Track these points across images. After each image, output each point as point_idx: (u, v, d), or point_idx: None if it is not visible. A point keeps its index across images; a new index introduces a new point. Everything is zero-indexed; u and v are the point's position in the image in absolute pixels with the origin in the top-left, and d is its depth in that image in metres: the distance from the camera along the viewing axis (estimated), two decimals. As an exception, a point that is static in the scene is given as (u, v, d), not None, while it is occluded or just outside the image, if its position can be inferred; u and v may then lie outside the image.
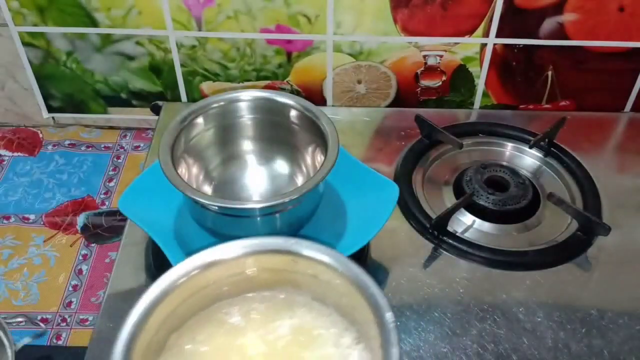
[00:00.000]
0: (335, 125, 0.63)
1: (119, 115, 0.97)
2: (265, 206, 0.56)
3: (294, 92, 0.92)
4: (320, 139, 0.64)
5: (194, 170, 0.69)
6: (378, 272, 0.68)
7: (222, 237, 0.65)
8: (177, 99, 0.94)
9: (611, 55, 0.87)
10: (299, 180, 0.71)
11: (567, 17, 0.83)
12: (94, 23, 0.86)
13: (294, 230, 0.65)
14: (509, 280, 0.68)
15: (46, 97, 0.95)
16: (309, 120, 0.66)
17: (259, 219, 0.62)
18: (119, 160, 0.94)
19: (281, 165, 0.73)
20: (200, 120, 0.67)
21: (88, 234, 0.84)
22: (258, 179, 0.73)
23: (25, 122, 0.99)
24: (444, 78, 0.91)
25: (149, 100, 0.95)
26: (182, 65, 0.90)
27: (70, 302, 0.76)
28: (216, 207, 0.60)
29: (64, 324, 0.74)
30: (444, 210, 0.71)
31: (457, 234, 0.72)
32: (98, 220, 0.86)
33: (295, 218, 0.64)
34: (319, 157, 0.66)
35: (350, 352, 0.47)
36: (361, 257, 0.68)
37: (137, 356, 0.43)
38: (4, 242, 0.82)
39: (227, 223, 0.63)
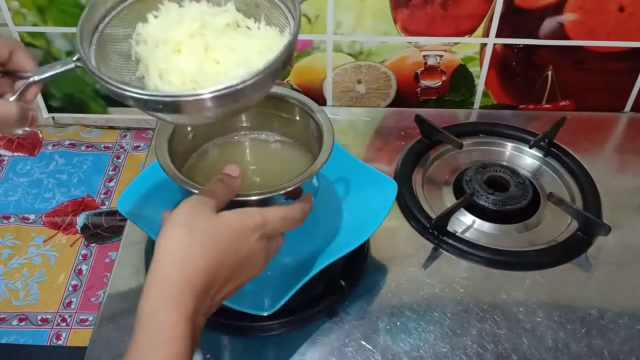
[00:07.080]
0: (331, 121, 0.63)
1: (118, 115, 0.97)
2: (260, 199, 0.56)
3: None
4: (316, 132, 0.64)
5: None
6: (378, 272, 0.68)
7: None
8: (177, 99, 0.94)
9: (611, 55, 0.87)
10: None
11: (567, 17, 0.83)
12: (94, 23, 0.86)
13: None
14: (509, 280, 0.68)
15: (46, 97, 0.95)
16: (305, 114, 0.66)
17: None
18: (119, 160, 0.94)
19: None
20: None
21: (88, 234, 0.84)
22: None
23: (25, 122, 0.99)
24: (444, 78, 0.91)
25: (149, 100, 0.94)
26: (182, 65, 0.90)
27: (70, 302, 0.76)
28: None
29: (64, 324, 0.74)
30: (444, 210, 0.71)
31: (457, 234, 0.72)
32: (98, 220, 0.86)
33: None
34: None
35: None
36: (361, 256, 0.68)
37: None
38: (4, 242, 0.82)
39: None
